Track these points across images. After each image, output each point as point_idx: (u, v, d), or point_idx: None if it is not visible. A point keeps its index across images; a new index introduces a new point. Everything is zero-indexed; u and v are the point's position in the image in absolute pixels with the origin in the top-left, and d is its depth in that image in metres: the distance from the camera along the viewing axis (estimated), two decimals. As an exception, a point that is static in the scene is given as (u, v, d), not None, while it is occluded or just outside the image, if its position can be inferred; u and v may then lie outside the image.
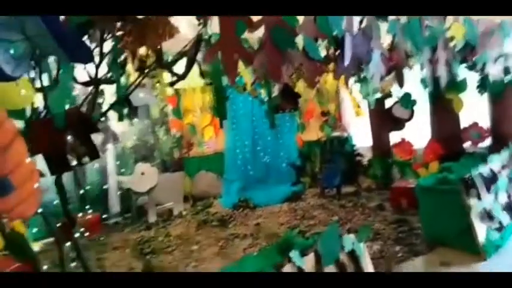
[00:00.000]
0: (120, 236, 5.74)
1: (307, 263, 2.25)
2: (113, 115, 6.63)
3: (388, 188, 5.79)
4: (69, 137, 1.59)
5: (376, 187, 6.50)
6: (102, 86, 2.34)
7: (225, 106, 4.24)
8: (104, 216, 6.51)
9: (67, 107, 1.62)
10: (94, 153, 1.77)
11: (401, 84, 2.50)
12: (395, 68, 2.47)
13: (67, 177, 6.28)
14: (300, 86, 6.35)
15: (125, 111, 3.11)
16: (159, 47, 1.95)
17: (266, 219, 5.76)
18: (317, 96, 7.30)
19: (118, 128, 6.97)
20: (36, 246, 5.31)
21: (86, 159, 1.76)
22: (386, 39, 2.61)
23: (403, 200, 5.22)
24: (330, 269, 2.37)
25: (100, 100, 2.51)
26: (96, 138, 6.57)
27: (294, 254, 2.21)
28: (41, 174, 2.89)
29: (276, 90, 3.37)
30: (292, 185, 7.03)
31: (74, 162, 1.69)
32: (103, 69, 2.06)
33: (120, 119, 3.01)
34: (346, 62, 1.97)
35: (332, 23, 1.88)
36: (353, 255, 2.51)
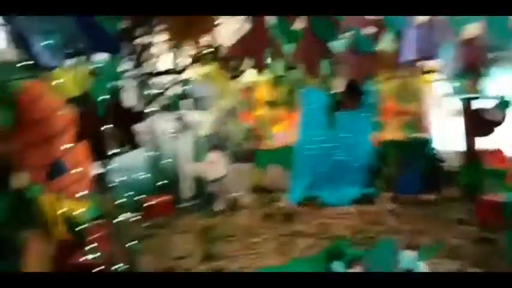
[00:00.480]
0: (188, 220, 5.99)
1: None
2: (185, 105, 6.96)
3: (474, 200, 5.14)
4: (111, 126, 1.65)
5: (460, 197, 5.83)
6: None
7: (294, 99, 4.11)
8: (176, 199, 6.87)
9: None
10: (134, 142, 1.82)
11: (479, 83, 2.14)
12: (474, 64, 2.12)
13: (143, 160, 6.75)
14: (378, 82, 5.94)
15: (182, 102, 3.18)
16: (212, 41, 1.89)
17: (332, 219, 5.54)
18: (397, 94, 6.75)
19: (192, 117, 7.28)
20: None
21: (126, 147, 1.83)
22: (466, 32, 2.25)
23: (490, 216, 4.59)
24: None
25: (149, 92, 2.57)
26: (170, 125, 6.94)
27: (336, 265, 2.05)
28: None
29: (340, 86, 3.15)
30: (364, 187, 6.65)
31: (115, 150, 1.77)
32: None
33: (177, 109, 3.08)
34: (408, 57, 1.72)
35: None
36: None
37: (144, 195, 6.39)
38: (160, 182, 6.65)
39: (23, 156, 1.82)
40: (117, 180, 6.12)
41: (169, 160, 7.10)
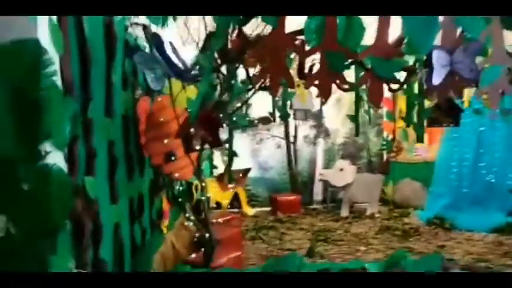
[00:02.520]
0: (311, 220, 6.47)
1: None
2: (326, 113, 7.45)
3: None
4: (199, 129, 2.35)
5: None
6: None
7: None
8: (307, 201, 7.47)
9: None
10: (215, 143, 2.48)
11: None
12: None
13: (281, 161, 7.57)
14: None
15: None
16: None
17: (456, 243, 5.12)
18: None
19: (331, 125, 7.72)
20: (250, 212, 6.82)
21: (207, 146, 2.50)
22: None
23: None
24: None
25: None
26: (310, 131, 7.55)
27: (371, 265, 2.25)
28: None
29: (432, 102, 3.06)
30: (509, 215, 5.79)
31: (198, 147, 2.46)
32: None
33: (283, 118, 3.64)
34: (436, 81, 1.84)
35: (417, 45, 1.83)
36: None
37: (276, 193, 7.25)
38: (296, 182, 7.38)
39: (150, 146, 2.73)
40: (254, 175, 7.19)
41: (307, 163, 7.77)
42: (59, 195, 1.49)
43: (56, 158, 1.50)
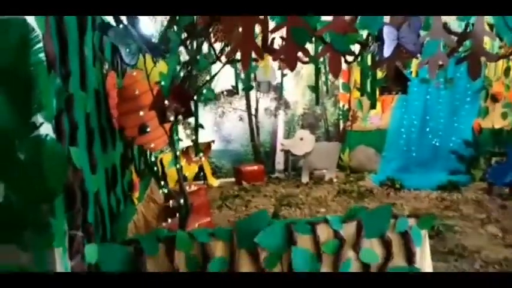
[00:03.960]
0: (274, 187, 6.82)
1: (346, 229, 2.53)
2: (286, 85, 7.68)
3: None
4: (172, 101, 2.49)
5: None
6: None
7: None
8: (269, 170, 7.80)
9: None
10: (187, 114, 2.63)
11: (474, 77, 2.26)
12: (468, 57, 2.27)
13: (243, 133, 7.79)
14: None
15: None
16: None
17: (406, 201, 5.67)
18: (506, 79, 6.22)
19: (291, 97, 7.98)
20: (215, 183, 7.03)
21: (181, 117, 2.66)
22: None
23: None
24: (373, 243, 2.54)
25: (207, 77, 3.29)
26: (270, 104, 7.77)
27: (332, 218, 2.54)
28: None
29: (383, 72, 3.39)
30: (451, 174, 6.47)
31: (172, 118, 2.61)
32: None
33: (246, 91, 3.82)
34: (387, 54, 2.10)
35: (369, 24, 2.08)
36: (405, 236, 2.57)
37: (240, 164, 7.50)
38: (259, 153, 7.64)
39: (124, 119, 2.84)
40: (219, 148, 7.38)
41: (268, 134, 8.04)
42: (54, 164, 1.62)
43: (47, 130, 1.62)
